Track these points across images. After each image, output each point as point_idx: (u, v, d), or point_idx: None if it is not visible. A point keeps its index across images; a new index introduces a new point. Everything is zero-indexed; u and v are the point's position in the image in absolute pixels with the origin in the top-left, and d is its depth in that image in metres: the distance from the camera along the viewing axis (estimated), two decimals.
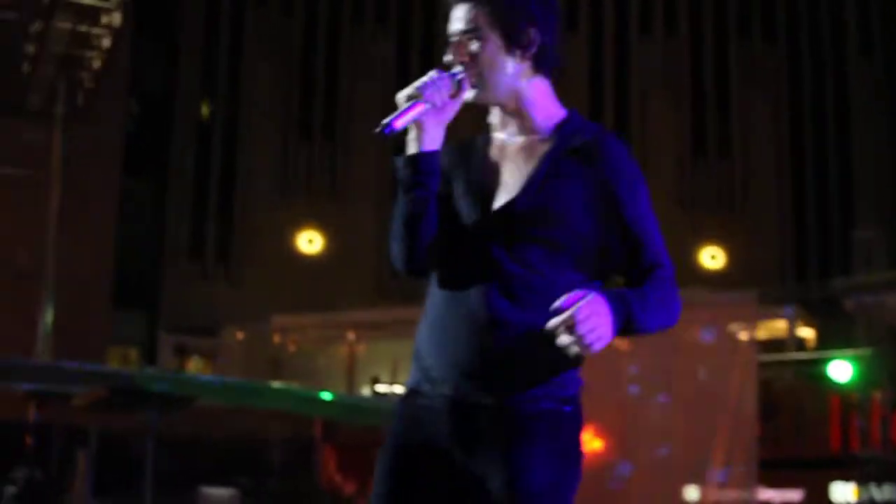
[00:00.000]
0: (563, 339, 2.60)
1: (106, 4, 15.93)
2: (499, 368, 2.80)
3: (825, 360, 16.21)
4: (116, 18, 16.01)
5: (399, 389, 16.50)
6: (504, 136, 3.01)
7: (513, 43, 2.90)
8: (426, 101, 2.84)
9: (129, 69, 21.28)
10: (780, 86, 29.01)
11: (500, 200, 2.89)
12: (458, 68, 2.92)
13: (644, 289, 2.83)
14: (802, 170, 28.84)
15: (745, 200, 28.82)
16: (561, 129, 2.95)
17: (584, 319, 2.58)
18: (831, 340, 19.25)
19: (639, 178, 2.94)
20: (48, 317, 16.40)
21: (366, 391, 20.30)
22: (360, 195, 26.35)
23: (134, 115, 21.71)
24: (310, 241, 26.49)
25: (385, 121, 2.80)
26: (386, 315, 20.13)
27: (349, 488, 13.42)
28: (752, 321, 15.45)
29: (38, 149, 17.47)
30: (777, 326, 21.21)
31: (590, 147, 2.89)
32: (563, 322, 2.59)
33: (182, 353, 23.38)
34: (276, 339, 20.83)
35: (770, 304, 19.59)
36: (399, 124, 2.82)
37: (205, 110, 26.63)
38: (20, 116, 18.22)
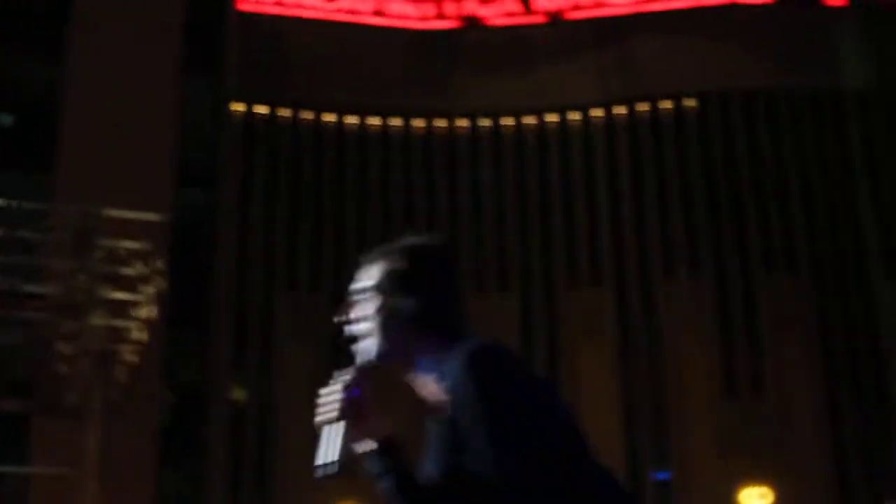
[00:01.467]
0: None
1: (141, 298, 15.99)
2: None
3: None
4: (153, 311, 16.03)
5: None
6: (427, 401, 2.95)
7: (392, 309, 2.90)
8: (346, 419, 2.78)
9: (163, 360, 21.29)
10: (807, 316, 28.91)
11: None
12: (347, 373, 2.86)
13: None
14: (838, 402, 28.53)
15: (784, 438, 28.34)
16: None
17: None
18: None
19: (475, 393, 2.71)
20: None
21: None
22: None
23: (169, 405, 21.61)
24: None
25: (322, 469, 2.71)
26: None
27: None
28: None
29: (73, 446, 17.24)
30: None
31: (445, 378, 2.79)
32: None
33: None
34: None
35: None
36: (336, 457, 2.73)
37: (238, 394, 26.61)
38: (55, 415, 18.07)
